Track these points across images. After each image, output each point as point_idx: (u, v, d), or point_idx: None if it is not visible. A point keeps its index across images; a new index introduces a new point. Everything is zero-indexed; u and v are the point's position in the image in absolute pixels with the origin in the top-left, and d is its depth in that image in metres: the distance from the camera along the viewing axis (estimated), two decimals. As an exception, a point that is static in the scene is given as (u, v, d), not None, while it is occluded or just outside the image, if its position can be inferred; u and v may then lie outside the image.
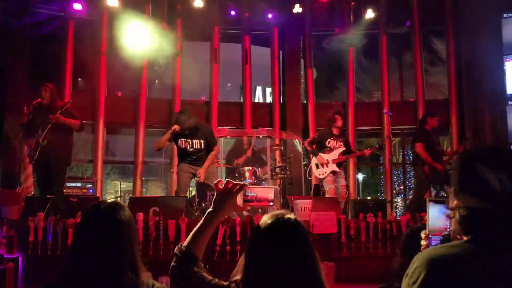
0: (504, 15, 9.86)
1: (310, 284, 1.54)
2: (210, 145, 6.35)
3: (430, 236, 1.69)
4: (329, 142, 7.13)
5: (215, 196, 1.84)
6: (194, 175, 6.38)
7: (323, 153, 7.11)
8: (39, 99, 6.06)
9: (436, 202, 1.73)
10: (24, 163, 7.40)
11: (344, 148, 7.15)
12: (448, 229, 1.66)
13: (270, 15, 10.13)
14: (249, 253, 1.62)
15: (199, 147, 6.29)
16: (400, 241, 2.40)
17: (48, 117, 5.83)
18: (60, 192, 6.04)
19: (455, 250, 1.26)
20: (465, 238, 1.31)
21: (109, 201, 2.04)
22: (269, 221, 1.63)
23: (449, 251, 1.27)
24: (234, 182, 1.83)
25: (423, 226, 2.05)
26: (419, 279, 1.23)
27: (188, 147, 6.27)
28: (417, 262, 1.28)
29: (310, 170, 7.34)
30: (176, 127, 6.13)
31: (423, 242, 1.72)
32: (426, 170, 6.65)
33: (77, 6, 9.18)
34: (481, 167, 1.27)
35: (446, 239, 1.58)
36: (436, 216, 1.71)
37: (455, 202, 1.34)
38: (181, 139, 6.28)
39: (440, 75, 15.01)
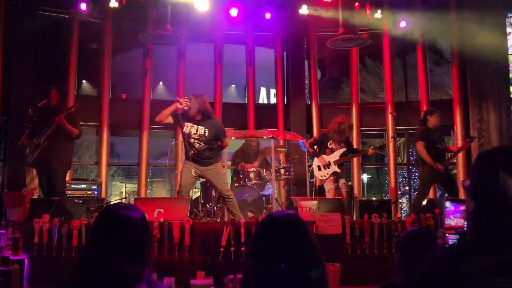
0: (509, 15, 9.82)
1: (314, 281, 1.53)
2: (220, 137, 5.94)
3: (446, 234, 1.70)
4: (330, 143, 7.11)
5: None
6: (199, 176, 5.98)
7: (324, 154, 7.09)
8: (45, 101, 6.08)
9: (452, 201, 1.74)
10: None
11: (345, 149, 7.13)
12: (464, 227, 1.65)
13: (272, 16, 10.11)
14: (250, 248, 1.63)
15: (203, 134, 5.80)
16: (397, 242, 2.41)
17: (54, 119, 5.86)
18: (63, 193, 6.06)
19: (461, 248, 1.25)
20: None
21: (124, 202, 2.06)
22: (270, 218, 1.65)
23: (455, 249, 1.25)
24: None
25: (418, 229, 2.07)
26: (427, 277, 1.23)
27: (192, 132, 5.80)
28: (426, 261, 1.27)
29: (312, 171, 7.33)
30: (183, 100, 5.73)
31: (439, 241, 1.72)
32: (427, 170, 6.61)
33: (82, 6, 9.13)
34: (505, 177, 1.21)
35: (462, 236, 1.58)
36: (452, 215, 1.72)
37: (472, 205, 1.29)
38: (187, 123, 5.83)
39: (445, 75, 14.98)
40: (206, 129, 5.81)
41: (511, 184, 1.19)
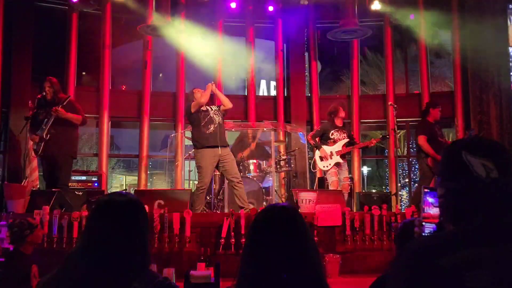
0: (510, 6, 9.77)
1: (309, 273, 1.53)
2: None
3: (423, 223, 1.70)
4: (332, 134, 7.11)
5: None
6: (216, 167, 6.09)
7: (326, 145, 7.09)
8: (43, 93, 6.07)
9: (432, 189, 1.74)
10: (29, 157, 7.43)
11: (348, 140, 7.13)
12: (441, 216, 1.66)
13: (273, 8, 10.07)
14: (246, 243, 1.63)
15: (217, 109, 6.16)
16: (396, 233, 2.41)
17: (51, 111, 5.85)
18: (65, 185, 6.05)
19: (440, 240, 1.26)
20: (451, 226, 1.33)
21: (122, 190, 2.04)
22: (265, 210, 1.65)
23: (434, 241, 1.27)
24: None
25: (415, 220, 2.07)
26: (404, 269, 1.23)
27: (210, 109, 6.08)
28: (404, 252, 1.28)
29: (314, 162, 7.32)
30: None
31: (416, 229, 1.73)
32: (429, 163, 6.63)
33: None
34: (467, 155, 1.30)
35: (440, 226, 1.59)
36: (431, 204, 1.73)
37: (442, 190, 1.36)
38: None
39: (445, 67, 14.94)
40: (217, 107, 6.25)
41: (474, 160, 1.29)
